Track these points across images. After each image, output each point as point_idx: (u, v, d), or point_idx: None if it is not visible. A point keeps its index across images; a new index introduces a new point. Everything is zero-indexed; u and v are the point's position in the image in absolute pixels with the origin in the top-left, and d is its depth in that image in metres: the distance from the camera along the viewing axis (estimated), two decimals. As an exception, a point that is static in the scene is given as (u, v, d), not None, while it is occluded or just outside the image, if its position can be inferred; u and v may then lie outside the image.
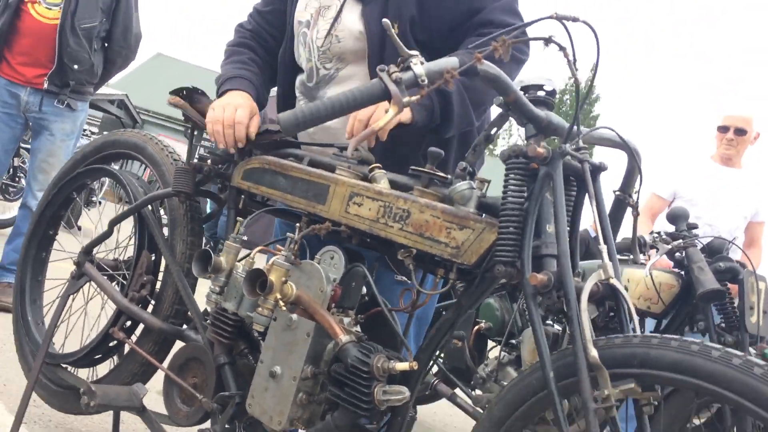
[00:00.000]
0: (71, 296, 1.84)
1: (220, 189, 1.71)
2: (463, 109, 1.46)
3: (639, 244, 2.42)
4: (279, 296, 1.25)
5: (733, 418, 2.18)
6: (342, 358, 1.26)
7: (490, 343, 3.02)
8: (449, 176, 1.31)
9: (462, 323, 2.97)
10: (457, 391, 2.80)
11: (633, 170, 1.41)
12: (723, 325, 2.37)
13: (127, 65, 3.39)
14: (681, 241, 2.39)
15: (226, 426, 1.40)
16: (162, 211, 1.85)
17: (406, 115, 1.38)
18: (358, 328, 1.40)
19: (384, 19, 1.07)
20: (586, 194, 1.22)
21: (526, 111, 1.19)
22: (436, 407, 3.16)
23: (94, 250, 1.86)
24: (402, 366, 1.23)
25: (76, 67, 3.07)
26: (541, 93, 1.25)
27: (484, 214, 1.23)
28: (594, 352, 1.05)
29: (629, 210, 1.43)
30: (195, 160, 1.68)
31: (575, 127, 1.18)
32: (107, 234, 1.83)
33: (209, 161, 1.63)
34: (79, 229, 2.19)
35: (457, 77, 1.03)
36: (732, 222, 3.45)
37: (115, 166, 1.98)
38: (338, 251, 1.38)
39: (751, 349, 2.34)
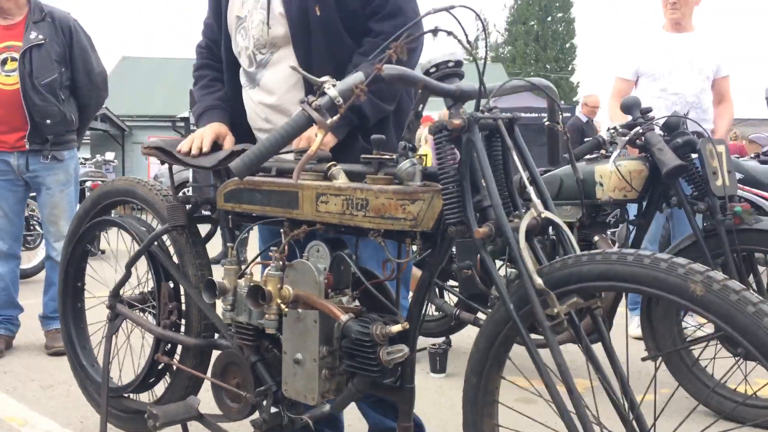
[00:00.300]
0: (114, 335, 2.08)
1: (211, 211, 1.92)
2: (374, 107, 1.70)
3: (599, 142, 2.60)
4: (279, 301, 1.48)
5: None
6: (346, 334, 1.48)
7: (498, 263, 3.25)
8: (395, 155, 1.50)
9: (467, 253, 3.21)
10: (479, 314, 3.07)
11: (552, 104, 1.59)
12: (696, 193, 2.56)
13: (103, 103, 3.55)
14: (638, 128, 2.56)
15: (272, 411, 1.65)
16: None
17: (329, 137, 1.60)
18: (357, 303, 1.63)
19: (290, 64, 1.24)
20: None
21: (438, 90, 1.36)
22: (466, 332, 3.42)
23: (121, 292, 2.09)
24: (396, 328, 1.45)
25: (48, 121, 3.24)
26: (450, 65, 1.43)
27: (429, 184, 1.43)
28: (539, 280, 1.26)
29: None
30: (181, 194, 1.89)
31: (483, 92, 1.35)
32: (127, 276, 2.05)
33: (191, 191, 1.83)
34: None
35: (365, 90, 1.20)
36: (695, 85, 3.58)
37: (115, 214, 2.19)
38: (321, 244, 1.59)
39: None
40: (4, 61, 3.19)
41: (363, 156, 1.54)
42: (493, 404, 1.45)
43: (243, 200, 1.72)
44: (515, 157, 1.36)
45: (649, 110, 2.65)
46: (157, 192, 2.02)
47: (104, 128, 20.12)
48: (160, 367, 2.01)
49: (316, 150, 1.19)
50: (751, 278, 2.60)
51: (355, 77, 1.22)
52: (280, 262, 1.52)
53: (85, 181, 6.44)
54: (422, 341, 2.36)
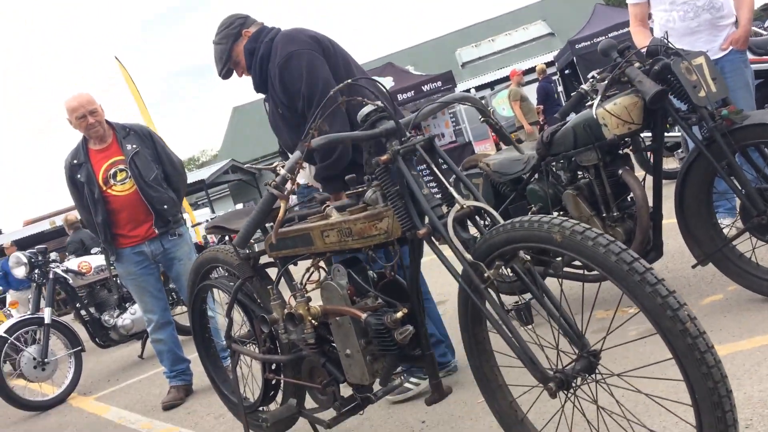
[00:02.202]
0: (237, 367, 2.71)
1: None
2: (326, 168, 2.21)
3: (582, 95, 2.86)
4: (310, 318, 1.99)
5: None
6: (368, 327, 1.97)
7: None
8: (365, 187, 1.97)
9: (519, 210, 3.56)
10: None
11: (478, 107, 1.98)
12: (689, 108, 2.76)
13: (186, 183, 4.34)
14: (617, 69, 2.80)
15: (343, 396, 2.17)
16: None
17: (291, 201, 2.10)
18: (380, 300, 2.11)
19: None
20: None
21: (365, 137, 1.81)
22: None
23: (232, 334, 2.72)
24: (399, 314, 1.91)
25: (165, 207, 4.01)
26: (379, 112, 1.87)
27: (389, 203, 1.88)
28: (468, 256, 1.67)
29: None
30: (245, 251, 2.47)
31: (400, 129, 1.79)
32: (231, 321, 2.67)
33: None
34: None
35: (303, 164, 1.68)
36: (704, -11, 3.64)
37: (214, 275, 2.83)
38: (339, 266, 2.09)
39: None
40: (115, 174, 3.99)
41: (346, 193, 2.02)
42: (486, 351, 1.87)
43: (280, 248, 2.26)
44: (435, 169, 1.78)
45: (627, 48, 2.87)
46: (232, 253, 2.61)
47: (236, 178, 21.88)
48: (273, 383, 2.60)
49: (284, 214, 1.69)
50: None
51: (295, 155, 1.71)
52: (305, 291, 2.03)
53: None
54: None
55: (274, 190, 1.69)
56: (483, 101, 3.25)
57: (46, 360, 4.98)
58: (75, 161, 4.02)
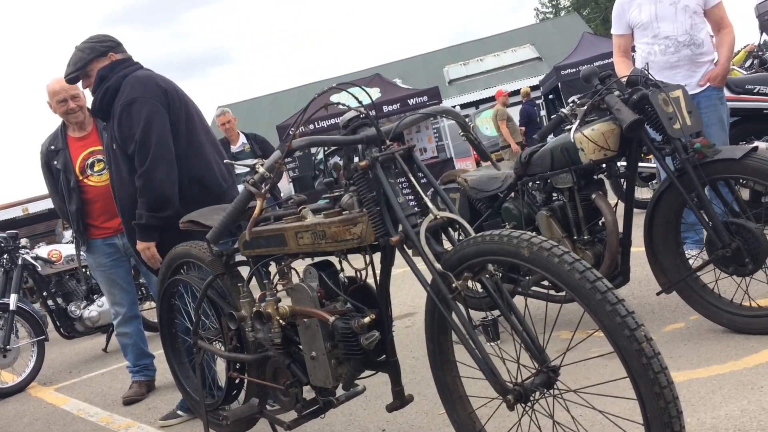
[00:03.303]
0: (198, 364, 2.70)
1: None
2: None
3: (562, 118, 2.93)
4: (278, 318, 2.01)
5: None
6: (335, 330, 1.98)
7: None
8: (342, 191, 1.99)
9: (493, 227, 3.61)
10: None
11: (458, 120, 2.02)
12: (663, 138, 2.83)
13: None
14: (597, 96, 2.86)
15: (305, 399, 2.18)
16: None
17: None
18: (349, 305, 2.12)
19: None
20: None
21: (346, 142, 1.84)
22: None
23: (199, 331, 2.71)
24: (367, 319, 1.93)
25: None
26: (360, 118, 1.90)
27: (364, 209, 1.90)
28: (438, 266, 1.70)
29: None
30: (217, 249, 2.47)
31: (380, 136, 1.82)
32: (198, 317, 2.66)
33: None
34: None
35: (283, 163, 1.71)
36: (683, 24, 3.74)
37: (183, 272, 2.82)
38: (311, 268, 2.10)
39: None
40: (93, 164, 3.96)
41: (323, 196, 2.04)
42: (449, 361, 1.90)
43: (253, 246, 2.27)
44: (411, 178, 1.81)
45: (608, 75, 2.94)
46: (204, 249, 2.61)
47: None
48: (237, 381, 2.60)
49: (259, 212, 1.71)
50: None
51: (275, 155, 1.73)
52: (275, 291, 2.05)
53: None
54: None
55: (252, 188, 1.71)
56: (467, 119, 3.31)
57: (7, 347, 4.91)
58: (52, 147, 3.99)
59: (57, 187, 3.98)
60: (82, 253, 5.19)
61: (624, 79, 2.98)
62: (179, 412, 3.38)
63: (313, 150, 14.72)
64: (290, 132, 1.71)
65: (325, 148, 13.53)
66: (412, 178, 1.81)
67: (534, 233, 1.56)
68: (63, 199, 3.96)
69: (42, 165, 4.02)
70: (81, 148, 3.96)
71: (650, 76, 2.86)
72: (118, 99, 2.95)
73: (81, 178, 3.92)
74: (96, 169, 3.95)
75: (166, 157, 2.89)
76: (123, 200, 3.06)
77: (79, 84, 3.19)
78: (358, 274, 2.04)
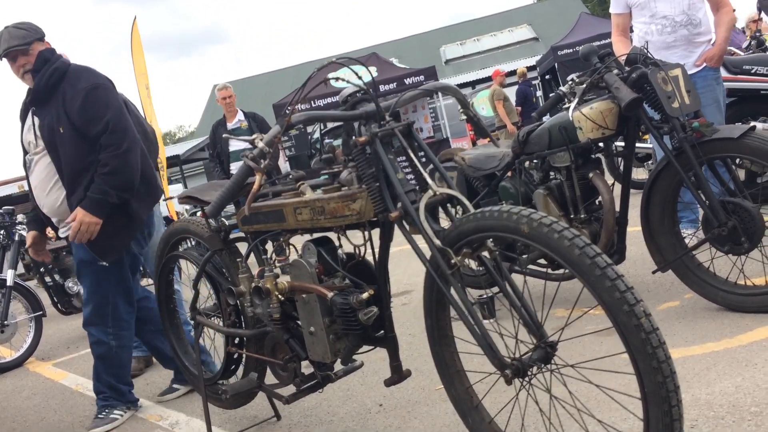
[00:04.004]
0: (200, 338, 2.71)
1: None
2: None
3: (560, 97, 2.92)
4: (277, 293, 2.01)
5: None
6: (333, 306, 1.99)
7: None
8: (341, 167, 1.99)
9: (490, 205, 3.63)
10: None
11: (457, 97, 2.01)
12: (661, 117, 2.83)
13: (158, 153, 4.31)
14: (596, 74, 2.86)
15: (303, 374, 2.20)
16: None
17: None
18: (347, 280, 2.13)
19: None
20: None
21: (346, 117, 1.83)
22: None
23: (198, 306, 2.72)
24: (365, 295, 1.94)
25: None
26: (359, 94, 1.89)
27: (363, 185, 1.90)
28: (437, 242, 1.71)
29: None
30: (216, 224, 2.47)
31: (380, 112, 1.81)
32: (197, 293, 2.67)
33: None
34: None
35: (281, 139, 1.70)
36: (681, 3, 3.72)
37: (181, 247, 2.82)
38: (310, 243, 2.11)
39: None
40: None
41: (322, 172, 2.04)
42: (447, 336, 1.91)
43: (252, 222, 2.27)
44: (410, 154, 1.81)
45: (607, 54, 2.93)
46: (203, 225, 2.61)
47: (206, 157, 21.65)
48: (235, 356, 2.62)
49: (258, 187, 1.71)
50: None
51: (274, 130, 1.73)
52: (274, 266, 2.05)
53: None
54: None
55: (251, 162, 1.71)
56: (463, 97, 3.30)
57: (5, 322, 4.92)
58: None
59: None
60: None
61: (623, 58, 2.97)
62: (175, 385, 3.41)
63: (310, 128, 14.69)
64: (287, 110, 1.70)
65: (322, 127, 13.49)
66: (412, 154, 1.81)
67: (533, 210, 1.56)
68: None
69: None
70: None
71: (649, 55, 2.85)
72: (69, 83, 2.97)
73: None
74: None
75: (139, 144, 3.00)
76: (72, 176, 2.99)
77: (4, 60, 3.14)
78: (357, 250, 2.04)
